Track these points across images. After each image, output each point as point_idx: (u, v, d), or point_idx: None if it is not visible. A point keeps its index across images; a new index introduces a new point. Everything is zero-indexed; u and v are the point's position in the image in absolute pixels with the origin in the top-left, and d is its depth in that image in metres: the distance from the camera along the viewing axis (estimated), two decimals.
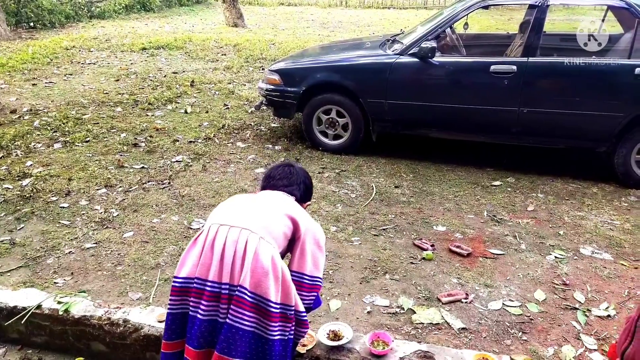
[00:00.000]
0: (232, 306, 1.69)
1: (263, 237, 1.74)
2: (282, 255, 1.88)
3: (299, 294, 1.84)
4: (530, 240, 3.35)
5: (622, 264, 3.09)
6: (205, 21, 14.06)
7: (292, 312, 1.78)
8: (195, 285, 1.74)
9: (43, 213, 3.61)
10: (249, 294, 1.68)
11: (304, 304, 1.87)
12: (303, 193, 2.09)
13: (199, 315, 1.74)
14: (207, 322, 1.73)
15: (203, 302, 1.72)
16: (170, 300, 1.82)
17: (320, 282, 1.96)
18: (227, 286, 1.70)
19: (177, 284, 1.80)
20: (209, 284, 1.71)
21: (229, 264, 1.70)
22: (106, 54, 8.99)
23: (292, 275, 1.86)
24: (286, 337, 1.78)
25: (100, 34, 11.02)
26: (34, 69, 7.75)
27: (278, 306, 1.72)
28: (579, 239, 3.37)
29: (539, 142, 4.41)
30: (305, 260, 1.88)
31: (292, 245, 1.92)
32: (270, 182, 2.09)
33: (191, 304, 1.76)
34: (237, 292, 1.69)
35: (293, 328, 1.81)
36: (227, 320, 1.70)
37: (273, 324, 1.71)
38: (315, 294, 1.97)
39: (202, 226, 1.87)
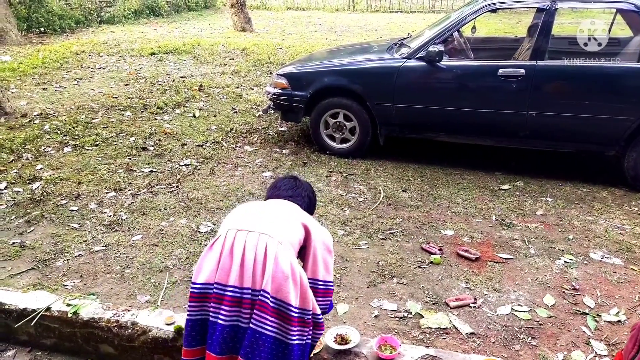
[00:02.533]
0: (255, 311, 1.69)
1: (281, 242, 1.75)
2: None
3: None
4: (540, 245, 3.33)
5: (633, 269, 3.05)
6: (214, 26, 14.15)
7: (310, 317, 1.80)
8: (215, 290, 1.73)
9: (53, 216, 3.64)
10: (271, 298, 1.68)
11: (319, 308, 1.89)
12: (307, 206, 2.10)
13: (220, 321, 1.72)
14: (229, 327, 1.72)
15: (224, 307, 1.71)
16: (190, 306, 1.80)
17: (332, 286, 1.99)
18: (250, 291, 1.70)
19: (195, 290, 1.78)
20: (230, 289, 1.70)
21: (250, 269, 1.69)
22: (115, 58, 9.07)
23: None
24: (304, 342, 1.79)
25: (110, 39, 11.13)
26: (44, 74, 7.84)
27: (297, 311, 1.73)
28: (589, 244, 3.34)
29: (547, 146, 4.39)
30: (317, 267, 1.90)
31: (302, 251, 1.93)
32: (275, 192, 2.11)
33: (211, 309, 1.75)
34: (260, 297, 1.68)
35: (310, 332, 1.83)
36: (251, 325, 1.69)
37: (293, 328, 1.72)
38: (329, 298, 1.99)
39: (218, 232, 1.87)
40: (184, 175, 4.36)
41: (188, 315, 1.82)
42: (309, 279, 1.87)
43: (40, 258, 3.13)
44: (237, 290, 1.70)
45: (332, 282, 1.97)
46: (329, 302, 2.00)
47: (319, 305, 1.88)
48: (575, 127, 4.17)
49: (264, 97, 6.41)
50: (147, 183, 4.19)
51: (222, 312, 1.72)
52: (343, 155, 4.81)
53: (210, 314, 1.76)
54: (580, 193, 4.11)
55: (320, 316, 1.88)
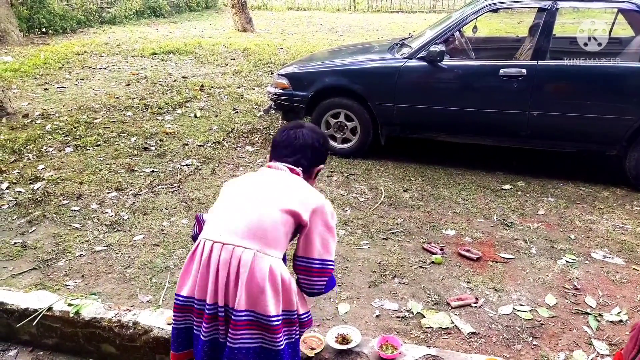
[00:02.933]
0: (230, 329, 1.66)
1: (259, 250, 1.67)
2: (291, 239, 1.81)
3: (307, 280, 1.77)
4: (541, 245, 3.32)
5: (634, 269, 3.05)
6: (215, 26, 14.16)
7: (295, 316, 1.76)
8: (195, 305, 1.73)
9: (54, 216, 3.65)
10: (245, 315, 1.65)
11: (314, 289, 1.80)
12: (311, 158, 1.92)
13: (201, 336, 1.72)
14: (209, 342, 1.73)
15: (204, 323, 1.71)
16: (174, 316, 1.80)
17: (331, 265, 1.84)
18: (223, 308, 1.68)
19: (179, 302, 1.77)
20: (207, 305, 1.69)
21: (223, 286, 1.66)
22: (117, 59, 9.08)
23: (299, 260, 1.79)
24: (293, 339, 1.77)
25: (111, 39, 11.14)
26: (45, 74, 7.85)
27: (280, 317, 1.68)
28: (590, 243, 3.34)
29: (548, 146, 4.39)
30: (312, 245, 1.77)
31: (299, 230, 1.80)
32: (275, 151, 1.95)
33: (194, 322, 1.75)
34: (233, 316, 1.65)
35: (298, 329, 1.79)
36: (228, 342, 1.67)
37: (277, 335, 1.68)
38: (326, 278, 1.85)
39: (200, 235, 1.81)
40: (186, 175, 4.36)
41: (173, 324, 1.81)
42: (302, 258, 1.79)
43: (42, 258, 3.14)
44: (213, 307, 1.68)
45: (330, 260, 1.83)
46: (324, 282, 1.84)
47: (314, 285, 1.79)
48: (576, 127, 4.16)
49: (265, 97, 6.41)
50: (148, 183, 4.19)
51: (203, 327, 1.71)
52: (344, 155, 4.81)
53: (194, 326, 1.75)
54: (582, 193, 4.11)
55: (304, 315, 1.81)
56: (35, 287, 2.81)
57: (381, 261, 3.11)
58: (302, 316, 1.80)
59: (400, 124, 4.61)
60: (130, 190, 4.06)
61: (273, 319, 1.66)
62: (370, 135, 4.71)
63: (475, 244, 3.32)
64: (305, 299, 1.85)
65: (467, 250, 3.19)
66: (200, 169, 4.49)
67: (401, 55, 4.60)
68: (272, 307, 1.66)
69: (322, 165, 2.01)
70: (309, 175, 1.97)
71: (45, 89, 7.06)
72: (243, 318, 1.65)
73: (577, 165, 4.70)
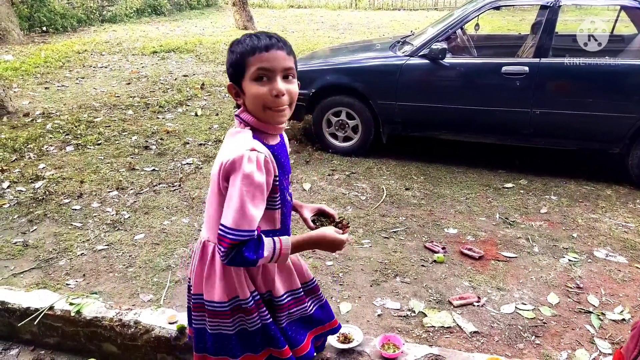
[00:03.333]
0: (192, 311, 1.78)
1: (208, 240, 1.68)
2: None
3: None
4: (543, 243, 3.31)
5: (637, 267, 3.04)
6: (216, 24, 14.14)
7: (252, 303, 1.67)
8: None
9: (55, 215, 3.64)
10: (196, 299, 1.73)
11: (220, 255, 1.54)
12: (237, 80, 1.53)
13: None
14: (189, 309, 1.85)
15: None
16: None
17: (228, 232, 1.47)
18: (190, 288, 1.81)
19: None
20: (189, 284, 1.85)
21: (189, 272, 1.82)
22: (117, 57, 9.08)
23: None
24: (253, 326, 1.69)
25: (112, 37, 11.14)
26: (46, 73, 7.85)
27: (226, 304, 1.66)
28: (593, 242, 3.33)
29: (551, 144, 4.37)
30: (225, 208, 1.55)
31: None
32: None
33: None
34: (192, 299, 1.77)
35: (265, 314, 1.70)
36: (193, 325, 1.79)
37: (227, 320, 1.70)
38: (221, 247, 1.50)
39: None
40: (186, 174, 4.36)
41: None
42: None
43: (43, 257, 3.14)
44: (189, 284, 1.82)
45: (226, 227, 1.47)
46: (223, 251, 1.49)
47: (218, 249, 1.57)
48: (578, 125, 4.15)
49: None
50: (149, 182, 4.19)
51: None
52: (346, 154, 4.81)
53: None
54: (585, 191, 4.10)
55: (282, 298, 1.73)
56: (37, 286, 2.81)
57: (383, 260, 3.10)
58: (278, 298, 1.73)
59: (402, 122, 4.60)
60: (131, 189, 4.06)
61: (216, 304, 1.67)
62: (372, 134, 4.70)
63: (478, 243, 3.31)
64: (287, 277, 1.77)
65: (469, 249, 3.18)
66: (201, 168, 4.49)
67: (403, 53, 4.59)
68: (217, 294, 1.66)
69: (230, 83, 1.58)
70: (242, 100, 1.57)
71: (46, 88, 7.06)
72: (196, 301, 1.73)
73: (580, 163, 4.69)
